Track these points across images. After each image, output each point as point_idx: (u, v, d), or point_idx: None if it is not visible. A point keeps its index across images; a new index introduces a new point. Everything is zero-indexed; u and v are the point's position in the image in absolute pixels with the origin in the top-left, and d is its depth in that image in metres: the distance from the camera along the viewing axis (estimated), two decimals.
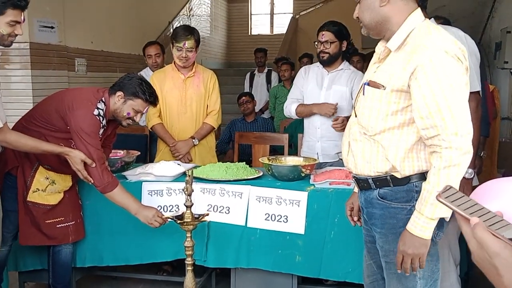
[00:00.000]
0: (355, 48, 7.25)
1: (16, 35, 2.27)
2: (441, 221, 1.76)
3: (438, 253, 1.84)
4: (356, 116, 1.86)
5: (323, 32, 3.17)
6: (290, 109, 3.35)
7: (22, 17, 2.24)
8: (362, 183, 1.86)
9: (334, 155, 3.21)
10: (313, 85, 3.31)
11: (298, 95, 3.39)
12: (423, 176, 1.73)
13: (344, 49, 3.23)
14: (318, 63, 3.36)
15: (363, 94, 1.82)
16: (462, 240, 2.62)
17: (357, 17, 1.82)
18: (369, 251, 2.02)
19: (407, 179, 1.74)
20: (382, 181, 1.79)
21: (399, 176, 1.74)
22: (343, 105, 3.23)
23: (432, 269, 1.81)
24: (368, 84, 1.79)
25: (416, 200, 1.72)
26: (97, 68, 6.29)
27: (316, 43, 3.23)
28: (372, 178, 1.81)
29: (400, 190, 1.76)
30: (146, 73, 4.73)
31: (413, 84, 1.63)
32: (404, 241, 1.69)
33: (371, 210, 1.85)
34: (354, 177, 1.91)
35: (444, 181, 1.58)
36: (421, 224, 1.64)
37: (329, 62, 3.24)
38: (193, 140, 3.34)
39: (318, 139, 3.28)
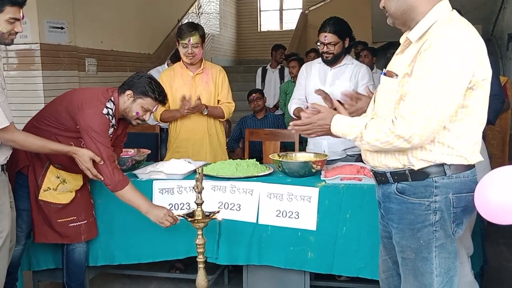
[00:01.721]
0: (359, 41, 7.20)
1: (17, 32, 2.27)
2: (461, 219, 1.76)
3: (457, 251, 1.81)
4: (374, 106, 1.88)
5: (326, 34, 3.12)
6: (290, 108, 3.38)
7: (21, 14, 2.24)
8: (380, 177, 1.85)
9: (341, 152, 3.19)
10: (316, 81, 3.30)
11: (301, 94, 3.39)
12: (442, 171, 1.71)
13: (347, 45, 3.20)
14: (319, 59, 3.34)
15: (379, 83, 1.84)
16: (476, 236, 2.59)
17: (383, 7, 1.80)
18: (385, 247, 2.00)
19: (425, 174, 1.72)
20: (400, 175, 1.77)
21: (415, 169, 1.73)
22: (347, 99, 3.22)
23: (449, 266, 1.79)
24: (385, 74, 1.80)
25: (435, 195, 1.71)
26: (107, 67, 6.32)
27: (318, 43, 3.20)
28: (390, 172, 1.79)
29: (418, 185, 1.74)
30: (158, 69, 4.78)
31: (415, 66, 1.65)
32: (327, 119, 1.86)
33: (389, 204, 1.83)
34: (372, 170, 1.90)
35: (371, 135, 1.70)
36: (340, 129, 1.83)
37: (333, 62, 3.23)
38: (206, 108, 3.32)
39: (324, 137, 3.24)
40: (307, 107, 3.12)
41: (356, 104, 2.32)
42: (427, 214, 1.73)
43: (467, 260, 2.51)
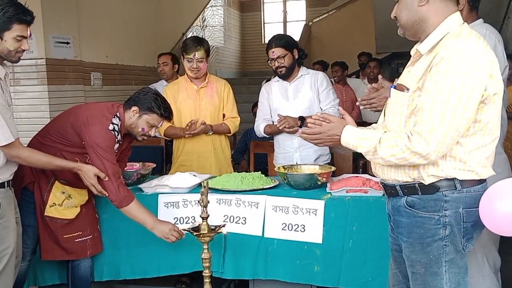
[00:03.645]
0: (363, 53, 7.23)
1: (23, 50, 2.28)
2: (471, 234, 1.74)
3: (467, 265, 1.80)
4: (384, 119, 1.87)
5: (273, 49, 3.20)
6: (259, 129, 3.43)
7: (28, 32, 2.26)
8: (390, 189, 1.84)
9: (312, 162, 3.20)
10: (278, 99, 3.36)
11: (266, 114, 3.45)
12: (452, 185, 1.69)
13: (297, 57, 3.26)
14: (277, 77, 3.39)
15: (390, 96, 1.82)
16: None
17: (395, 17, 1.80)
18: (395, 260, 1.98)
19: (435, 188, 1.71)
20: (410, 188, 1.76)
21: (425, 183, 1.71)
22: (313, 109, 3.26)
23: (459, 281, 1.77)
24: (395, 87, 1.78)
25: (445, 210, 1.70)
26: (112, 81, 6.36)
27: (269, 61, 3.27)
28: (399, 185, 1.78)
29: (428, 199, 1.72)
30: (161, 83, 4.85)
31: (426, 80, 1.64)
32: (337, 130, 1.84)
33: (398, 218, 1.82)
34: (382, 183, 1.89)
35: (385, 150, 1.68)
36: (351, 141, 1.80)
37: (288, 74, 3.28)
38: (211, 129, 3.34)
39: (296, 149, 3.31)
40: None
41: (376, 93, 2.30)
42: (436, 229, 1.71)
43: (491, 273, 2.50)
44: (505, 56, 2.47)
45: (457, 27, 1.68)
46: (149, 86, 4.70)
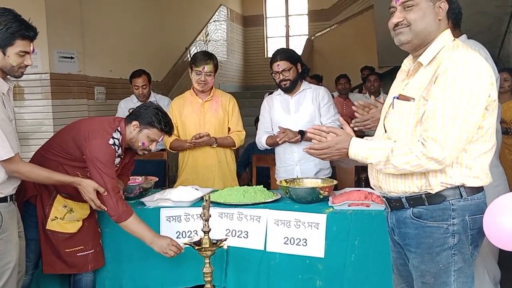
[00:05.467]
0: (365, 66, 7.27)
1: (26, 65, 2.30)
2: (477, 242, 1.77)
3: (474, 274, 1.80)
4: (385, 131, 1.87)
5: (278, 63, 3.23)
6: (261, 141, 3.44)
7: (31, 48, 2.28)
8: (394, 202, 1.84)
9: (313, 177, 3.21)
10: (280, 112, 3.38)
11: (267, 127, 3.47)
12: (458, 193, 1.72)
13: (300, 71, 3.30)
14: (279, 91, 3.43)
15: (393, 107, 1.83)
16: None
17: (397, 22, 1.77)
18: (401, 275, 1.98)
19: (442, 197, 1.73)
20: (416, 199, 1.77)
21: (433, 192, 1.73)
22: (314, 123, 3.29)
23: None
24: (398, 98, 1.80)
25: (453, 218, 1.72)
26: (116, 95, 6.38)
27: (273, 74, 3.29)
28: (405, 197, 1.79)
29: (436, 208, 1.74)
30: (132, 100, 4.81)
31: (432, 89, 1.68)
32: (345, 143, 1.84)
33: (405, 230, 1.82)
34: (384, 197, 1.89)
35: (399, 159, 1.69)
36: (360, 153, 1.80)
37: (292, 88, 3.31)
38: (215, 142, 3.37)
39: (296, 163, 3.32)
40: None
41: (368, 114, 2.32)
42: (445, 238, 1.73)
43: (490, 285, 2.50)
44: (496, 69, 2.54)
45: (451, 42, 1.76)
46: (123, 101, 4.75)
